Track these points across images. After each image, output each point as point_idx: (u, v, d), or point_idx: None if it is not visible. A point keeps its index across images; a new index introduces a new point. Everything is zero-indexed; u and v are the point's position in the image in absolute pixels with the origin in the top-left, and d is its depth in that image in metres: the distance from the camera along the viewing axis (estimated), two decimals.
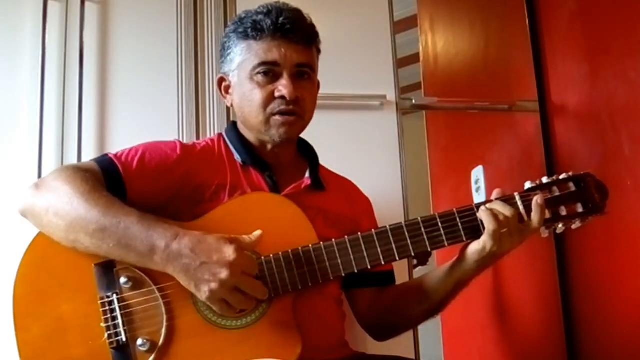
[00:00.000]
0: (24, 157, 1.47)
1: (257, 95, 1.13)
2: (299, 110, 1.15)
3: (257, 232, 0.99)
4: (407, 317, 1.21)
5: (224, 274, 0.91)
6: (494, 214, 1.03)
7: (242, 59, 1.15)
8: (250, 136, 1.21)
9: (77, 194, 0.96)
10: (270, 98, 1.13)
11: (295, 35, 1.14)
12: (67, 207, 0.96)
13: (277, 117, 1.13)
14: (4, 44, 1.52)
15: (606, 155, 1.52)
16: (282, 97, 1.12)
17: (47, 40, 1.52)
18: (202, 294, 0.93)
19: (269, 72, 1.13)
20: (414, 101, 1.75)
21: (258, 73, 1.13)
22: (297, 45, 1.14)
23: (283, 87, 1.12)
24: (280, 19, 1.12)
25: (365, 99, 1.67)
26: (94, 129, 1.54)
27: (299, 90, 1.13)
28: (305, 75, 1.16)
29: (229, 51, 1.18)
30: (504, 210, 1.04)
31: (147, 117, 1.56)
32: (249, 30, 1.14)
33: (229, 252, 0.92)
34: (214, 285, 0.91)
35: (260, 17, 1.13)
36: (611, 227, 1.49)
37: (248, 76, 1.14)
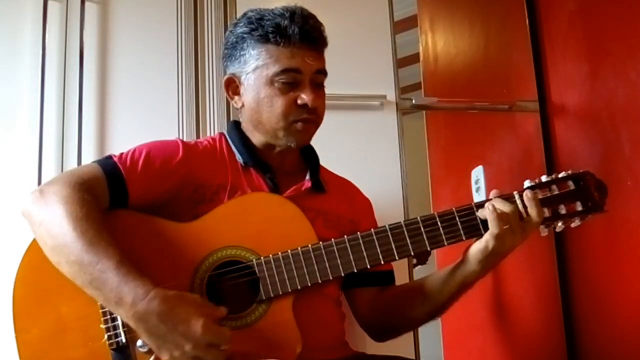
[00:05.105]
0: (24, 157, 1.47)
1: (278, 102, 1.13)
2: (317, 118, 1.17)
3: (223, 309, 0.96)
4: (408, 318, 1.20)
5: (187, 346, 0.89)
6: (495, 211, 1.03)
7: (260, 62, 1.14)
8: (256, 138, 1.20)
9: (69, 219, 0.95)
10: (292, 106, 1.13)
11: (317, 44, 1.15)
12: (57, 230, 0.95)
13: (298, 125, 1.14)
14: (4, 44, 1.52)
15: (606, 155, 1.52)
16: (304, 106, 1.13)
17: (47, 40, 1.52)
18: (163, 356, 0.92)
19: (291, 78, 1.12)
20: (414, 101, 1.74)
21: (280, 80, 1.12)
22: (316, 53, 1.15)
23: (306, 96, 1.12)
24: (306, 26, 1.12)
25: (365, 99, 1.67)
26: (94, 129, 1.54)
27: (317, 99, 1.15)
28: (321, 83, 1.18)
29: (242, 52, 1.16)
30: (504, 206, 1.04)
31: (147, 117, 1.56)
32: (271, 34, 1.12)
33: (196, 326, 0.90)
34: (176, 353, 0.90)
35: (285, 22, 1.11)
36: (611, 227, 1.49)
37: (267, 81, 1.13)
